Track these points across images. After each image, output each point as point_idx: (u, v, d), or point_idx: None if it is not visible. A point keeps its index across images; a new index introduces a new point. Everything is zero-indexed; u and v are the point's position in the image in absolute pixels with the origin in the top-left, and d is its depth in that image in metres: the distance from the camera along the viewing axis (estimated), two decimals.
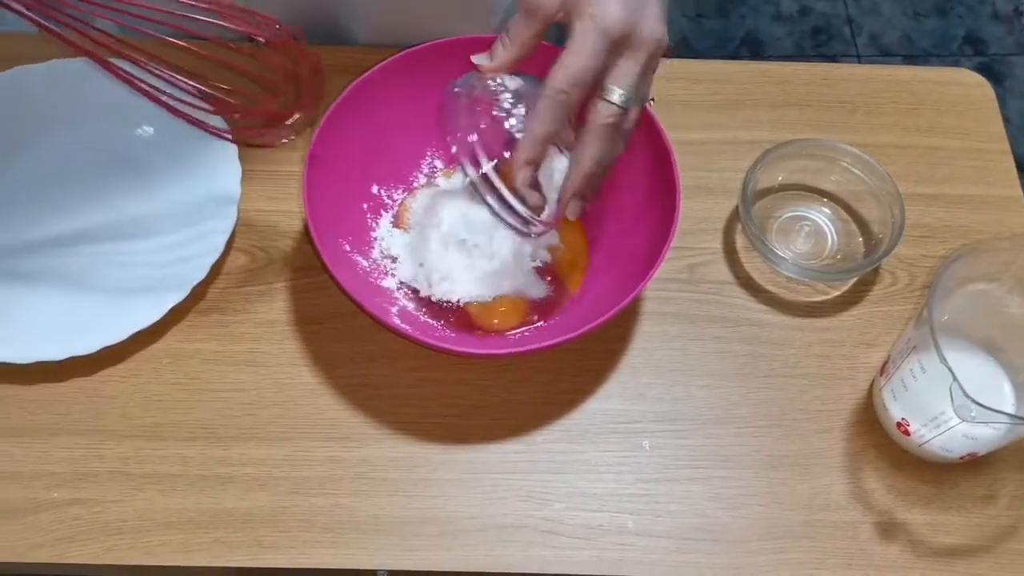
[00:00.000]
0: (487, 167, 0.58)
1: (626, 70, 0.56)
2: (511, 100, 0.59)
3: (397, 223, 0.68)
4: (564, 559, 0.59)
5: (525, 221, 0.60)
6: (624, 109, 0.56)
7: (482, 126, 0.59)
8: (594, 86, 0.55)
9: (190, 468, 0.61)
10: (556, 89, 0.54)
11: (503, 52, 0.58)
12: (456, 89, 0.59)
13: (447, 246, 0.65)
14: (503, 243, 0.64)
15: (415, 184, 0.70)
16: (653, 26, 0.56)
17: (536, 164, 0.57)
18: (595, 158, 0.57)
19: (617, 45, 0.55)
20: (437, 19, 0.73)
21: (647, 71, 0.57)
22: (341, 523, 0.60)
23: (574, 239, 0.68)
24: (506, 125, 0.58)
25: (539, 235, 0.62)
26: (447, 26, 0.69)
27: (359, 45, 0.79)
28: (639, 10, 0.55)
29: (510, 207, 0.59)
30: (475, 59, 0.59)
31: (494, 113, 0.58)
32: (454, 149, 0.59)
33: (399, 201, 0.69)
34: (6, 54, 0.73)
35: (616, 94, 0.56)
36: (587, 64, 0.54)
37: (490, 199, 0.59)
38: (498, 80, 0.59)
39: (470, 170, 0.59)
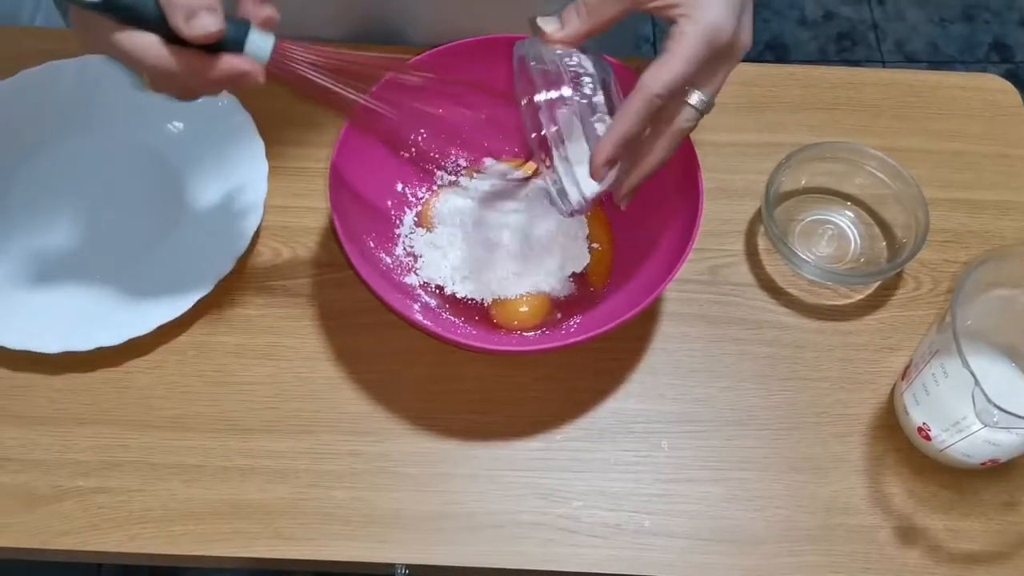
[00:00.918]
0: (551, 133, 0.56)
1: (716, 79, 0.55)
2: (591, 86, 0.55)
3: (420, 222, 0.68)
4: (581, 557, 0.59)
5: (569, 202, 0.58)
6: (701, 114, 0.56)
7: (558, 104, 0.55)
8: None
9: (212, 459, 0.61)
10: (655, 93, 0.52)
11: (576, 22, 0.55)
12: (530, 61, 0.56)
13: (471, 245, 0.65)
14: (528, 243, 0.65)
15: (439, 182, 0.71)
16: (749, 36, 0.54)
17: (615, 163, 0.55)
18: (662, 160, 0.57)
19: (718, 55, 0.53)
20: (492, 20, 0.71)
21: (727, 77, 0.56)
22: (361, 516, 0.60)
23: (601, 238, 0.68)
24: (584, 111, 0.55)
25: (575, 215, 0.61)
26: (502, 28, 0.68)
27: (415, 46, 0.77)
28: (740, 18, 0.53)
29: (560, 185, 0.58)
30: (541, 22, 0.56)
31: (573, 96, 0.55)
32: (524, 116, 0.56)
33: (423, 199, 0.70)
34: (38, 49, 0.75)
35: (698, 99, 0.55)
36: (690, 71, 0.52)
37: (547, 172, 0.57)
38: (575, 58, 0.55)
39: (533, 137, 0.57)
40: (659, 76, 0.52)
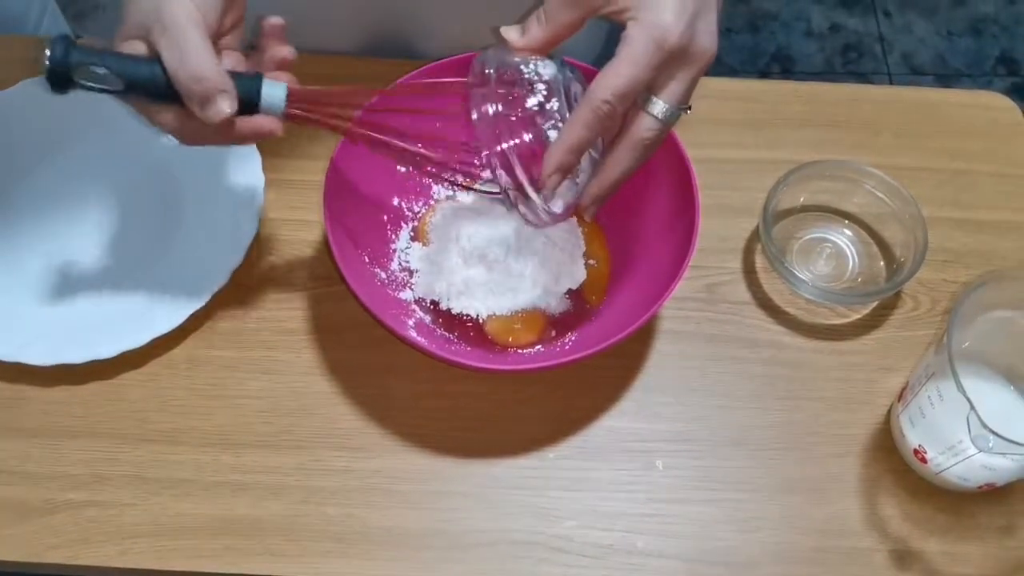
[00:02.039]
0: (508, 147, 0.55)
1: (674, 85, 0.53)
2: (544, 92, 0.55)
3: (417, 236, 0.68)
4: None
5: (536, 212, 0.58)
6: (665, 124, 0.54)
7: (509, 113, 0.55)
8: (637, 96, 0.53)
9: (204, 474, 0.61)
10: (602, 99, 0.51)
11: (536, 29, 0.54)
12: (486, 68, 0.55)
13: (467, 260, 0.65)
14: (524, 259, 0.64)
15: (435, 197, 0.70)
16: (708, 40, 0.53)
17: (568, 171, 0.55)
18: (627, 170, 0.56)
19: (671, 58, 0.52)
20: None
21: (693, 85, 0.54)
22: (353, 533, 0.60)
23: (598, 254, 0.68)
24: (536, 119, 0.55)
25: (544, 226, 0.61)
26: None
27: (427, 59, 0.77)
28: (695, 22, 0.52)
29: (525, 195, 0.57)
30: (504, 31, 0.55)
31: (526, 104, 0.55)
32: (478, 131, 0.56)
33: (419, 214, 0.70)
34: (36, 60, 0.74)
35: (660, 108, 0.53)
36: (639, 76, 0.51)
37: (505, 184, 0.57)
38: (531, 64, 0.55)
39: (488, 152, 0.56)
40: (605, 82, 0.51)
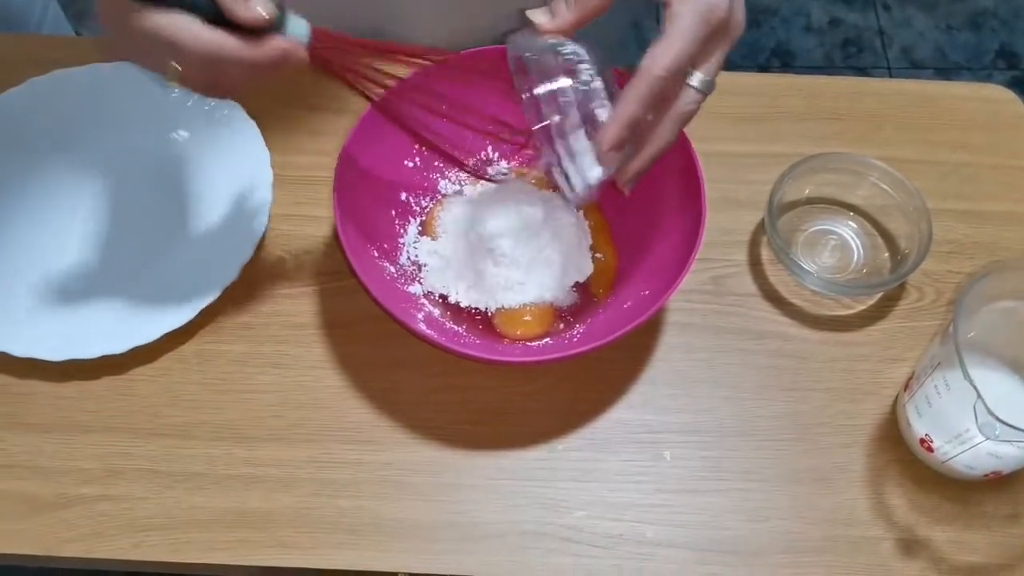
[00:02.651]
0: (554, 123, 0.55)
1: (713, 58, 0.54)
2: (590, 72, 0.55)
3: (424, 230, 0.69)
4: (583, 567, 0.60)
5: (575, 190, 0.58)
6: (704, 96, 0.55)
7: (555, 94, 0.55)
8: None
9: (217, 467, 0.62)
10: (657, 75, 0.52)
11: (565, 12, 0.55)
12: (522, 52, 0.55)
13: (475, 254, 0.65)
14: (531, 252, 0.65)
15: (443, 192, 0.71)
16: (742, 14, 0.54)
17: (623, 146, 0.55)
18: (667, 144, 0.56)
19: (715, 32, 0.53)
20: (485, 30, 0.72)
21: (725, 58, 0.55)
22: (364, 525, 0.60)
23: (604, 248, 0.69)
24: (582, 98, 0.55)
25: (581, 202, 0.61)
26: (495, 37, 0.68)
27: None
28: None
29: (565, 174, 0.57)
30: (531, 14, 0.55)
31: (573, 84, 0.55)
32: (526, 111, 0.56)
33: (427, 208, 0.70)
34: (44, 57, 0.75)
35: (700, 80, 0.54)
36: (689, 50, 0.52)
37: (553, 158, 0.57)
38: (569, 48, 0.55)
39: (536, 129, 0.56)
40: (660, 57, 0.52)
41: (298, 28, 0.52)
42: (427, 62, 0.60)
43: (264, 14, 0.49)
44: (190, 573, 0.63)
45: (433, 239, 0.68)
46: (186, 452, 0.62)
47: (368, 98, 0.58)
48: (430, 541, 0.60)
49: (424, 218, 0.69)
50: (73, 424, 0.63)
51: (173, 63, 0.50)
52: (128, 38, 0.50)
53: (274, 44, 0.50)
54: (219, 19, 0.49)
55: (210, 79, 0.51)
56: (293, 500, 0.61)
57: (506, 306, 0.65)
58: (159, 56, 0.50)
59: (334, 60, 0.54)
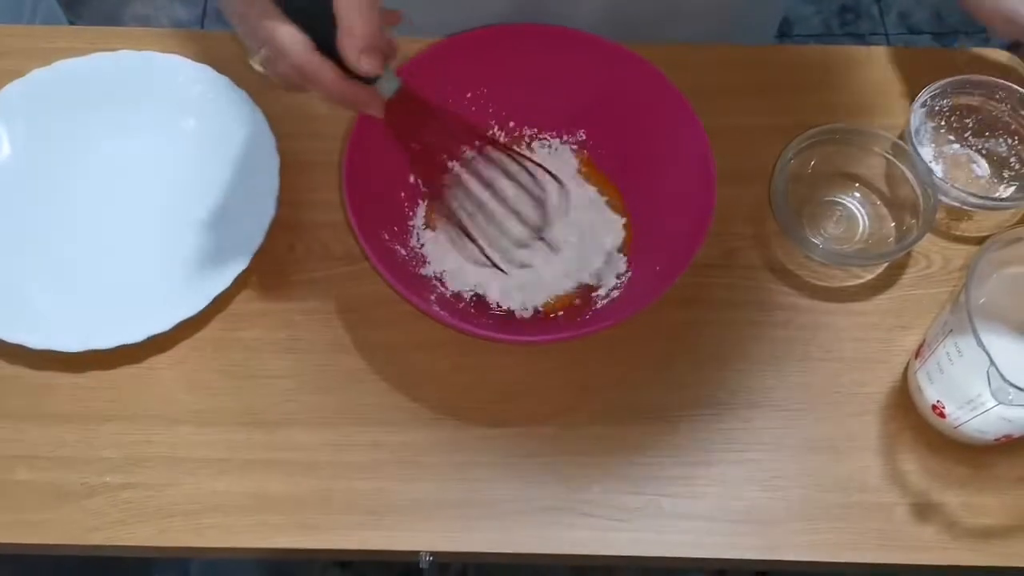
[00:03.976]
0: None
1: None
2: None
3: (428, 223, 0.69)
4: (602, 540, 0.60)
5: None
6: None
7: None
8: None
9: (237, 452, 0.62)
10: None
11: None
12: None
13: (482, 267, 0.66)
14: (544, 258, 0.66)
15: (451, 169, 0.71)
16: None
17: None
18: None
19: None
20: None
21: None
22: (384, 506, 0.61)
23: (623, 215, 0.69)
24: None
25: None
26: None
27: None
28: None
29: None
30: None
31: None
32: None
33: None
34: (45, 48, 0.75)
35: None
36: None
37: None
38: None
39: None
40: None
41: (388, 85, 0.56)
42: (489, 140, 0.66)
43: (374, 72, 0.53)
44: (211, 557, 0.63)
45: (436, 232, 0.68)
46: (206, 438, 0.63)
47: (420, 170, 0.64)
48: (449, 520, 0.61)
49: (426, 212, 0.69)
50: (93, 414, 0.64)
51: (266, 52, 0.54)
52: (246, 21, 0.54)
53: (362, 92, 0.55)
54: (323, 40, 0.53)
55: (289, 82, 0.55)
56: (313, 483, 0.62)
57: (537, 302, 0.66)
58: (259, 41, 0.53)
59: (407, 124, 0.59)
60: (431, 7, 0.74)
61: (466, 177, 0.66)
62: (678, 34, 0.72)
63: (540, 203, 0.66)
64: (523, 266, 0.66)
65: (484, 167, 0.66)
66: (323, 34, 0.52)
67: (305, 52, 0.52)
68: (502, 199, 0.66)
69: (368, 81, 0.55)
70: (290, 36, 0.52)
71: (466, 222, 0.65)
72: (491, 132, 0.71)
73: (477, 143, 0.65)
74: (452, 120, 0.64)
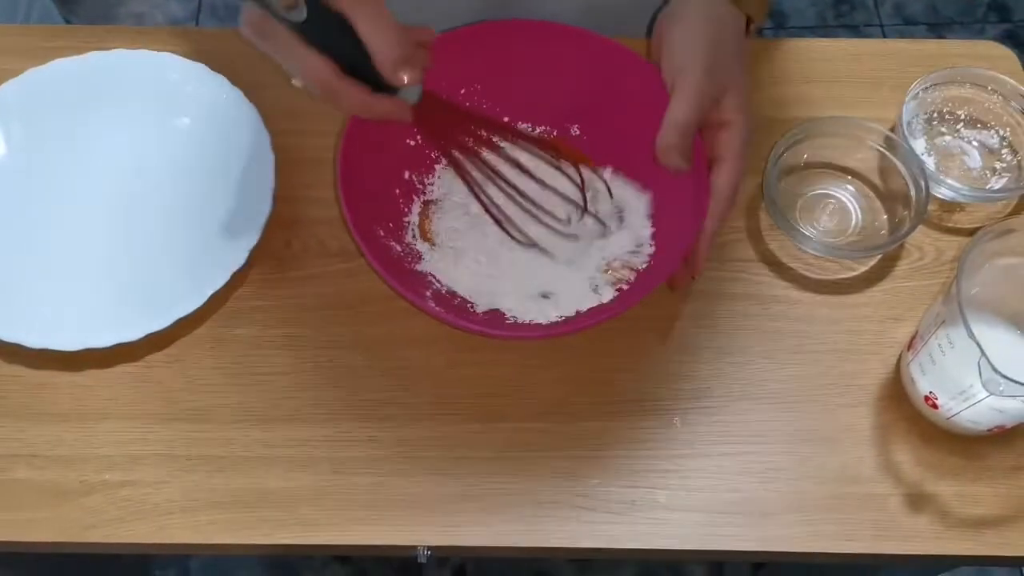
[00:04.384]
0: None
1: None
2: None
3: (422, 235, 0.68)
4: (599, 533, 0.61)
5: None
6: None
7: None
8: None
9: (235, 449, 0.63)
10: (731, 196, 0.64)
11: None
12: None
13: (479, 277, 0.66)
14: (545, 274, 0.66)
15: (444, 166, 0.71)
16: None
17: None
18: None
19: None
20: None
21: None
22: (382, 501, 0.61)
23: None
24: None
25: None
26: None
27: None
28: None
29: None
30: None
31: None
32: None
33: (431, 185, 0.70)
34: (41, 47, 0.75)
35: None
36: (743, 167, 0.64)
37: None
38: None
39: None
40: (731, 182, 0.63)
41: (411, 93, 0.57)
42: (521, 138, 0.66)
43: (407, 82, 0.55)
44: (210, 554, 0.64)
45: (432, 245, 0.68)
46: (204, 435, 0.63)
47: (454, 164, 0.63)
48: (447, 514, 0.61)
49: (419, 223, 0.69)
50: (91, 412, 0.64)
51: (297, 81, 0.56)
52: (267, 45, 0.55)
53: (388, 104, 0.57)
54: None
55: (325, 100, 0.57)
56: (311, 479, 0.62)
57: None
58: (287, 61, 0.56)
59: (434, 124, 0.61)
60: (397, 6, 0.75)
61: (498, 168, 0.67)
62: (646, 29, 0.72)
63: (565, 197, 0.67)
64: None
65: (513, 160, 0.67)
66: (347, 53, 0.54)
67: (329, 78, 0.55)
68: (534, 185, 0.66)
69: (392, 91, 0.56)
70: (314, 64, 0.54)
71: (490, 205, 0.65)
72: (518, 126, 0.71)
73: (506, 137, 0.66)
74: (479, 117, 0.66)
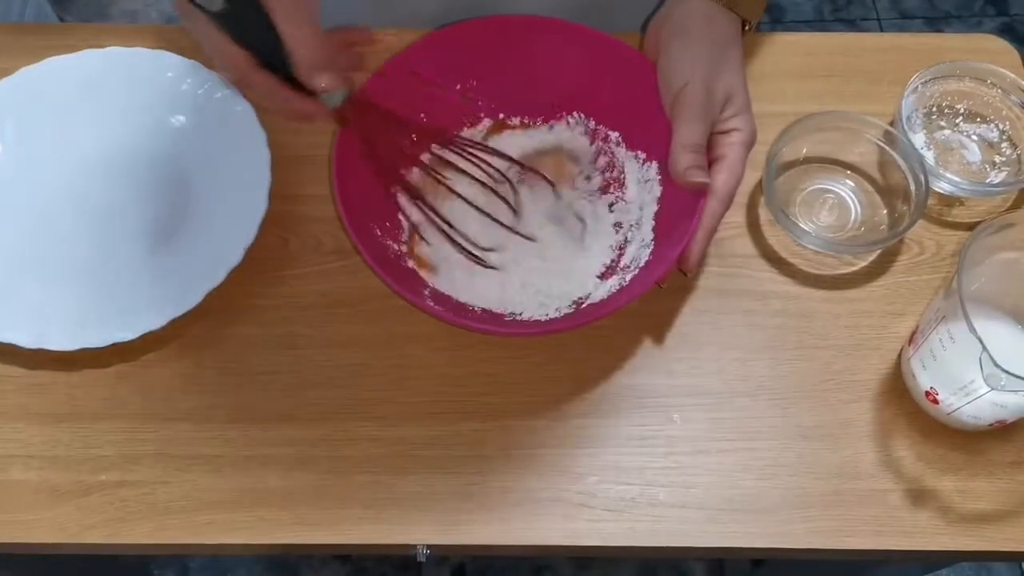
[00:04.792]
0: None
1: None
2: None
3: (417, 264, 0.67)
4: (598, 531, 0.61)
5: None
6: None
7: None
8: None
9: (233, 449, 0.62)
10: (727, 200, 0.63)
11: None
12: None
13: (476, 277, 0.66)
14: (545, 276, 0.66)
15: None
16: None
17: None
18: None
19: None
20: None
21: None
22: (381, 500, 0.61)
23: None
24: None
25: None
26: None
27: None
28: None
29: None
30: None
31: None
32: None
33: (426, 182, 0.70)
34: (35, 45, 0.75)
35: None
36: (742, 172, 0.64)
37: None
38: None
39: None
40: (730, 182, 0.62)
41: (333, 97, 0.58)
42: (446, 141, 0.67)
43: (324, 88, 0.56)
44: (208, 554, 0.63)
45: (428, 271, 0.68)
46: (202, 435, 0.63)
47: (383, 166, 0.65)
48: (446, 513, 0.61)
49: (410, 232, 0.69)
50: (88, 412, 0.64)
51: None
52: (195, 30, 0.57)
53: (305, 104, 0.58)
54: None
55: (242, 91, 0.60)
56: (310, 478, 0.62)
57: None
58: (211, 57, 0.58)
59: (365, 128, 0.62)
60: (363, 7, 0.75)
61: (433, 176, 0.68)
62: (622, 24, 0.72)
63: (507, 202, 0.67)
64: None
65: (447, 167, 0.67)
66: (268, 48, 0.54)
67: (244, 69, 0.56)
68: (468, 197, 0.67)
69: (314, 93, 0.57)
70: (230, 52, 0.56)
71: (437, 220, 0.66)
72: (460, 131, 0.71)
73: (439, 145, 0.67)
74: (415, 123, 0.67)
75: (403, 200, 0.67)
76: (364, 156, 0.64)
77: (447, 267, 0.66)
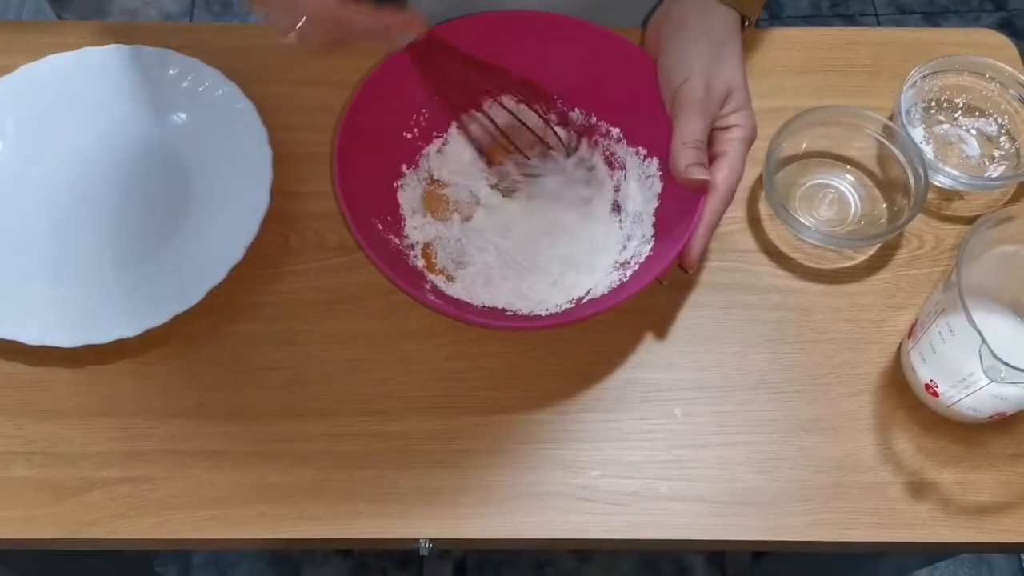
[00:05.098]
0: None
1: None
2: None
3: (429, 268, 0.67)
4: (600, 525, 0.61)
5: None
6: None
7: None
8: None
9: (235, 445, 0.63)
10: (728, 195, 0.62)
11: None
12: None
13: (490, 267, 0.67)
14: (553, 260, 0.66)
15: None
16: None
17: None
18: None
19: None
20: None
21: None
22: (383, 494, 0.61)
23: None
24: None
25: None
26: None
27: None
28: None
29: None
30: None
31: None
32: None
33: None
34: (36, 43, 0.75)
35: None
36: (743, 168, 0.63)
37: None
38: None
39: None
40: (731, 178, 0.62)
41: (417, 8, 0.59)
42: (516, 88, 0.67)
43: None
44: (211, 549, 0.64)
45: (440, 222, 0.68)
46: (204, 431, 0.63)
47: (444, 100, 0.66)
48: (448, 507, 0.61)
49: (424, 197, 0.69)
50: (90, 409, 0.64)
51: (301, 25, 0.57)
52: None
53: (399, 15, 0.59)
54: None
55: (329, 43, 0.59)
56: (312, 473, 0.62)
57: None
58: (288, 15, 0.57)
59: (434, 53, 0.63)
60: None
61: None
62: (622, 20, 0.72)
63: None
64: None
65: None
66: None
67: (335, 5, 0.56)
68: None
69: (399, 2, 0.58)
70: None
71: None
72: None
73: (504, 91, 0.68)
74: (481, 65, 0.66)
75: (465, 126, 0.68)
76: (433, 88, 0.66)
77: (465, 277, 0.67)
